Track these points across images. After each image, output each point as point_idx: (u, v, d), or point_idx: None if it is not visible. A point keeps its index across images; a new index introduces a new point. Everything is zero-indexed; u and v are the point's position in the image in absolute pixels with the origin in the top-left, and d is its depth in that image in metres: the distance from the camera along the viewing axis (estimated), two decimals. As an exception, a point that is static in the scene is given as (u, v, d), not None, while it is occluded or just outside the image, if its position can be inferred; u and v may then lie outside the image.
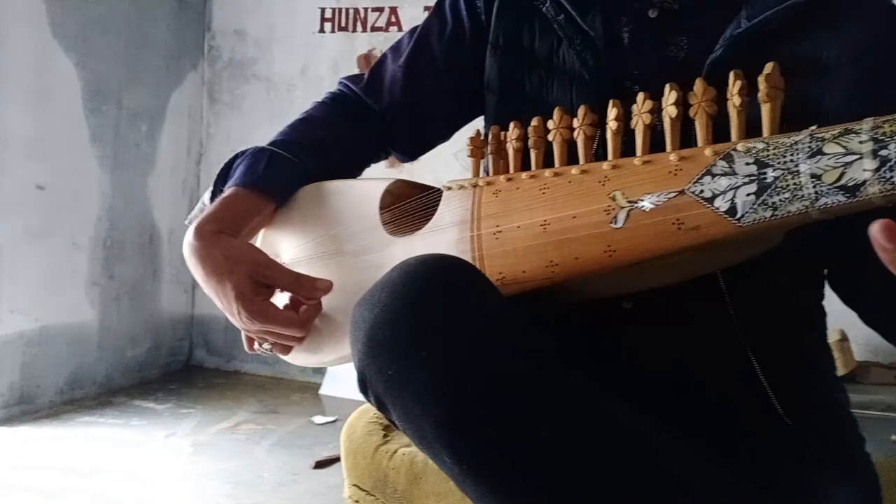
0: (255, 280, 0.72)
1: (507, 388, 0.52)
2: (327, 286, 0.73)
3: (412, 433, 0.55)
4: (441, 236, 0.69)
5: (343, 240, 0.78)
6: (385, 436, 0.92)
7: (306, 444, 2.35)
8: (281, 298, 0.77)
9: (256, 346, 0.78)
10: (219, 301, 0.73)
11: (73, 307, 2.75)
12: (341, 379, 2.63)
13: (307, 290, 0.73)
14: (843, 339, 2.23)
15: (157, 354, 3.14)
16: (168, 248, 3.13)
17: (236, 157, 0.82)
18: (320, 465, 2.16)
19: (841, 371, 2.24)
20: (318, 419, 2.59)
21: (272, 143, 0.82)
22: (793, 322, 0.74)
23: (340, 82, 0.93)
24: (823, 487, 0.67)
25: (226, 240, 0.73)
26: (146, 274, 3.08)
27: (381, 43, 2.93)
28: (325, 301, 0.75)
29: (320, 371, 2.89)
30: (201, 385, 3.03)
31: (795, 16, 0.67)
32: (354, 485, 0.91)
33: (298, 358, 0.80)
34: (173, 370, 3.21)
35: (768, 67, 0.55)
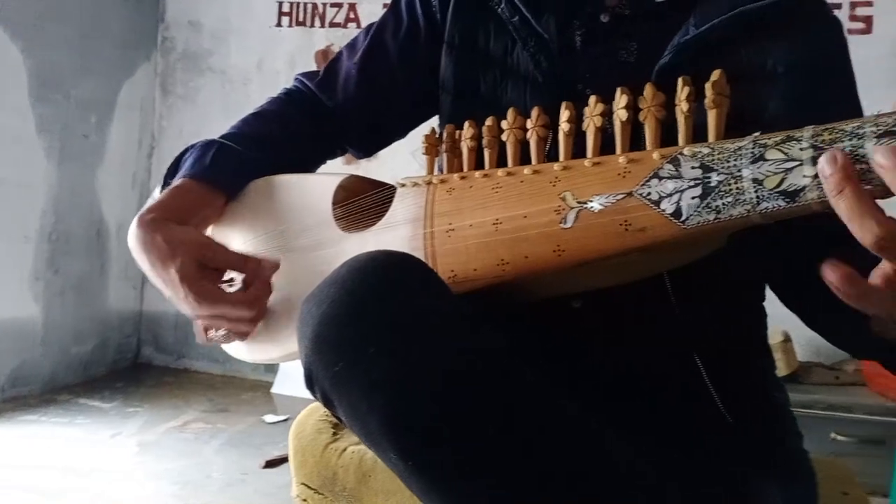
0: (201, 263, 0.71)
1: (455, 385, 0.52)
2: (275, 264, 0.72)
3: (358, 430, 0.55)
4: (394, 233, 0.69)
5: (295, 235, 0.77)
6: (334, 434, 0.91)
7: (257, 443, 2.32)
8: (234, 289, 0.75)
9: (211, 333, 0.77)
10: (165, 288, 0.72)
11: (16, 302, 2.66)
12: (293, 377, 2.60)
13: (254, 269, 0.72)
14: (787, 340, 2.29)
15: (104, 352, 3.07)
16: (116, 243, 3.06)
17: (187, 150, 0.81)
18: (270, 464, 2.13)
19: (784, 371, 2.30)
20: (270, 418, 2.56)
21: (223, 136, 0.81)
22: (735, 322, 0.75)
23: (296, 78, 0.93)
24: (761, 483, 0.69)
25: (167, 225, 0.72)
26: (93, 269, 3.01)
27: (339, 39, 2.91)
28: (276, 296, 0.74)
29: (272, 369, 2.86)
30: (149, 383, 2.97)
31: (741, 25, 0.69)
32: (303, 483, 0.90)
33: (249, 353, 0.79)
34: (120, 368, 3.14)
35: (715, 75, 0.57)
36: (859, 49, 2.56)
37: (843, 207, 0.44)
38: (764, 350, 0.79)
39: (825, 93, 0.70)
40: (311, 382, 0.57)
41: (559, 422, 0.56)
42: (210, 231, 0.83)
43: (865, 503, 0.88)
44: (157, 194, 0.79)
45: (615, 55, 0.74)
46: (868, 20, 2.46)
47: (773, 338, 2.32)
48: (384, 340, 0.53)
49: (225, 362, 3.09)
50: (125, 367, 3.17)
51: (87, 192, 2.95)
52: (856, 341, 0.64)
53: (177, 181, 0.78)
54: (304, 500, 0.90)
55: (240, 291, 0.73)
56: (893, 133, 0.43)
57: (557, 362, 0.71)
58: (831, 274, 0.46)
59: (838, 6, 2.46)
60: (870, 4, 2.46)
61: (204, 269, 0.71)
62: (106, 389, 2.83)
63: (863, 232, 0.43)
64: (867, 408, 2.12)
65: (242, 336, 0.75)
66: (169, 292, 0.72)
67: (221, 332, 0.74)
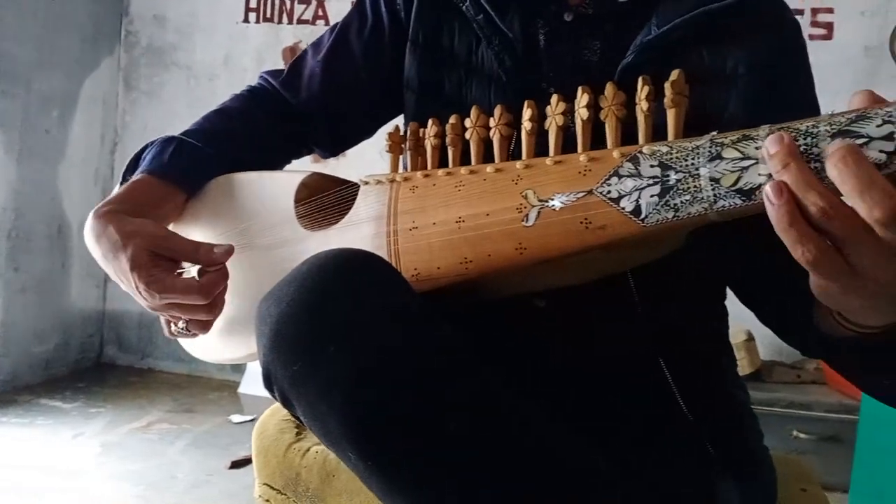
0: (153, 252, 0.69)
1: (414, 383, 0.52)
2: (228, 249, 0.71)
3: (317, 430, 0.54)
4: (357, 231, 0.68)
5: (257, 233, 0.76)
6: (298, 434, 0.90)
7: (223, 443, 2.30)
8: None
9: (173, 327, 0.75)
10: (116, 278, 0.71)
11: (-26, 301, 2.60)
12: (260, 377, 2.57)
13: (207, 256, 0.71)
14: (750, 339, 2.33)
15: (66, 351, 3.00)
16: (78, 241, 2.99)
17: (147, 146, 0.80)
18: (236, 464, 2.11)
19: (747, 370, 2.34)
20: (236, 418, 2.53)
21: (184, 133, 0.80)
22: (697, 321, 0.76)
23: (260, 76, 0.92)
24: (721, 480, 0.70)
25: (121, 217, 0.71)
26: (54, 267, 2.94)
27: (307, 36, 2.88)
28: (239, 295, 0.73)
29: (239, 369, 2.83)
30: (113, 383, 2.91)
31: (701, 26, 0.69)
32: (265, 483, 0.89)
33: (213, 353, 0.78)
34: (83, 367, 3.07)
35: (674, 74, 0.57)
36: (820, 54, 2.61)
37: (788, 180, 0.44)
38: (725, 349, 0.80)
39: (784, 93, 0.71)
40: (269, 382, 0.56)
41: (518, 421, 0.56)
42: (170, 229, 0.81)
43: (823, 500, 0.89)
44: (116, 191, 0.78)
45: (579, 54, 0.75)
46: (829, 26, 2.51)
47: (737, 337, 2.35)
48: (343, 340, 0.52)
49: (191, 362, 3.05)
50: (88, 366, 3.10)
51: (48, 189, 2.88)
52: (806, 339, 0.65)
53: (135, 177, 0.77)
54: (267, 501, 0.89)
55: (193, 279, 0.71)
56: (847, 132, 0.44)
57: (522, 361, 0.71)
58: (767, 185, 0.45)
59: (800, 12, 2.50)
60: (830, 11, 2.50)
61: (157, 258, 0.69)
62: (68, 389, 2.77)
63: (806, 204, 0.43)
64: (827, 405, 2.16)
65: (203, 328, 0.73)
66: (122, 283, 0.71)
67: (181, 324, 0.73)
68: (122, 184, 0.78)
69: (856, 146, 0.42)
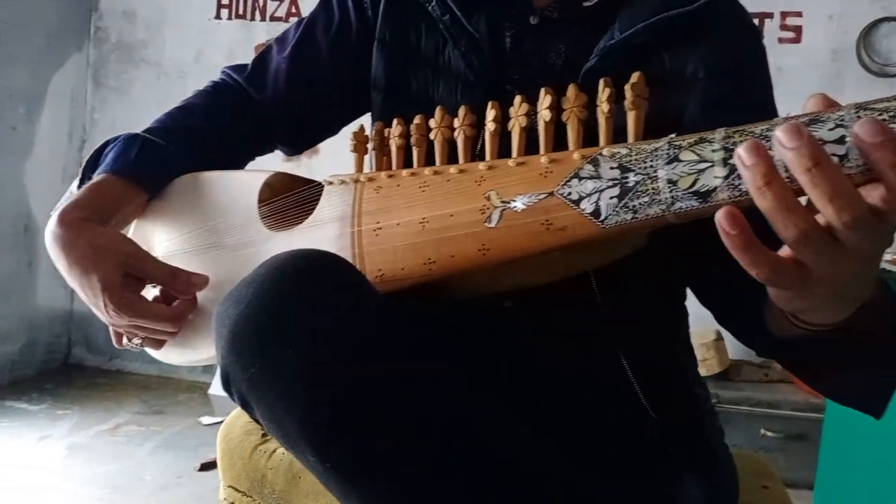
0: (125, 272, 0.68)
1: (373, 385, 0.52)
2: (203, 281, 0.71)
3: (276, 432, 0.54)
4: (321, 232, 0.68)
5: (220, 233, 0.75)
6: (264, 436, 0.89)
7: (192, 445, 2.27)
8: (153, 291, 0.73)
9: (125, 341, 0.74)
10: (83, 293, 0.69)
11: (-63, 300, 2.55)
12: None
13: (182, 285, 0.71)
14: (718, 338, 2.36)
15: (32, 352, 2.95)
16: (46, 239, 2.95)
17: (107, 143, 0.79)
18: (206, 467, 2.09)
19: (716, 369, 2.37)
20: (206, 420, 2.50)
21: (147, 131, 0.79)
22: (659, 321, 0.77)
23: (223, 71, 0.91)
24: (681, 477, 0.71)
25: (92, 228, 0.70)
26: (20, 266, 2.89)
27: (279, 33, 2.85)
28: (201, 296, 0.72)
29: (210, 370, 2.80)
30: (80, 385, 2.87)
31: (662, 31, 0.70)
32: (230, 486, 0.88)
33: (171, 355, 0.77)
34: (50, 369, 3.02)
35: (634, 77, 0.58)
36: (790, 57, 2.65)
37: (769, 200, 0.42)
38: (686, 348, 0.81)
39: (742, 97, 0.72)
40: (227, 384, 0.56)
41: (479, 422, 0.56)
42: (132, 228, 0.80)
43: (785, 497, 0.90)
44: (74, 188, 0.77)
45: (544, 57, 0.75)
46: (798, 30, 2.55)
47: (706, 336, 2.38)
48: (302, 342, 0.52)
49: (160, 363, 3.00)
50: (55, 367, 3.05)
51: (14, 186, 2.83)
52: (761, 338, 0.66)
53: (98, 176, 0.75)
54: (232, 503, 0.89)
55: (164, 306, 0.71)
56: None
57: (488, 360, 0.71)
58: (720, 213, 0.42)
59: (770, 16, 2.54)
60: (799, 15, 2.54)
61: (128, 278, 0.69)
62: (34, 391, 2.73)
63: (787, 225, 0.42)
64: (794, 404, 2.20)
65: (158, 346, 0.73)
66: (86, 297, 0.69)
67: (137, 340, 0.72)
68: (81, 181, 0.77)
69: (826, 153, 0.41)
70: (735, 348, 2.40)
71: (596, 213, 0.53)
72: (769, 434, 2.19)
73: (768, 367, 2.38)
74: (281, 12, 2.92)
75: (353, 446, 0.51)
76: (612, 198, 0.53)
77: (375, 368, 0.52)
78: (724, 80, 0.71)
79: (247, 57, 0.94)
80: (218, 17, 2.98)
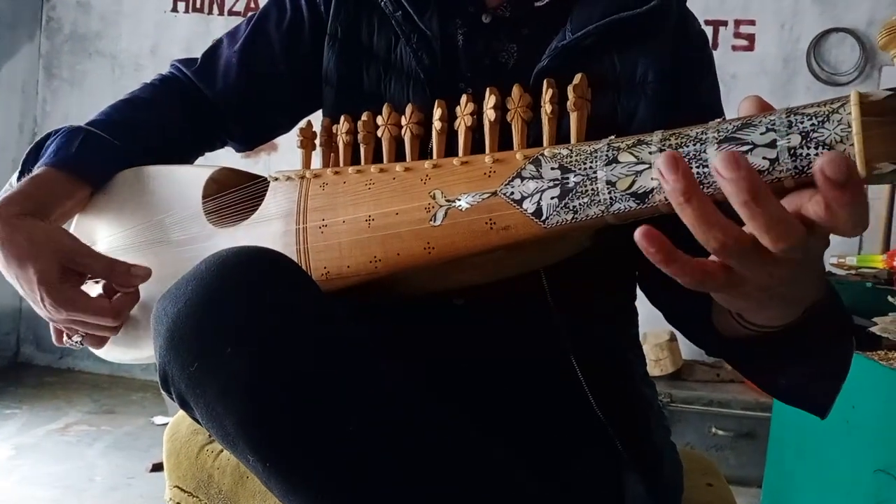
0: (64, 266, 0.67)
1: (313, 384, 0.51)
2: (145, 273, 0.69)
3: (216, 432, 0.53)
4: (266, 228, 0.67)
5: (165, 228, 0.74)
6: (210, 435, 0.88)
7: (144, 445, 2.23)
8: (95, 287, 0.72)
9: (66, 338, 0.73)
10: (20, 288, 0.68)
11: None
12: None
13: (122, 277, 0.69)
14: (672, 339, 2.40)
15: (-22, 350, 2.87)
16: (-7, 234, 2.86)
17: (48, 136, 0.77)
18: (158, 467, 2.05)
19: (669, 369, 2.41)
20: (159, 419, 2.46)
21: (90, 123, 0.77)
22: (608, 319, 0.78)
23: (172, 65, 0.89)
24: (628, 475, 0.72)
25: (31, 222, 0.68)
26: (-34, 261, 2.80)
27: (238, 28, 2.83)
28: (144, 292, 0.71)
29: (164, 368, 2.75)
30: (30, 383, 2.80)
31: (613, 33, 0.71)
32: (176, 486, 0.86)
33: (115, 353, 0.76)
34: (-3, 367, 2.95)
35: (577, 78, 0.58)
36: (743, 64, 2.72)
37: (689, 216, 0.42)
38: (635, 346, 0.82)
39: (690, 101, 0.73)
40: (166, 384, 0.55)
41: (422, 422, 0.55)
42: (74, 223, 0.78)
43: (728, 494, 0.92)
44: (14, 181, 0.75)
45: (496, 56, 0.75)
46: (751, 38, 2.61)
47: (659, 337, 2.42)
48: (241, 339, 0.51)
49: (113, 362, 2.95)
50: (3, 366, 2.97)
51: (-40, 179, 2.75)
52: (708, 337, 0.67)
53: (39, 169, 0.73)
54: (178, 503, 0.87)
55: (104, 299, 0.69)
56: (733, 139, 0.45)
57: (438, 358, 0.71)
58: (637, 233, 0.42)
59: (724, 24, 2.59)
60: (752, 24, 2.60)
61: (66, 272, 0.67)
62: (-20, 390, 2.66)
63: (707, 239, 0.42)
64: (743, 403, 2.24)
65: (100, 343, 0.72)
66: (23, 291, 0.68)
67: (77, 338, 0.71)
68: (21, 173, 0.75)
69: (763, 183, 0.41)
70: (688, 349, 2.45)
71: (538, 212, 0.54)
72: (720, 433, 2.23)
73: (720, 368, 2.43)
74: (239, 7, 2.89)
75: (291, 445, 0.51)
76: (552, 198, 0.53)
77: (316, 367, 0.52)
78: (673, 84, 0.72)
79: (204, 51, 0.92)
80: (174, 9, 2.93)
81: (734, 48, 2.59)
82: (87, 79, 2.99)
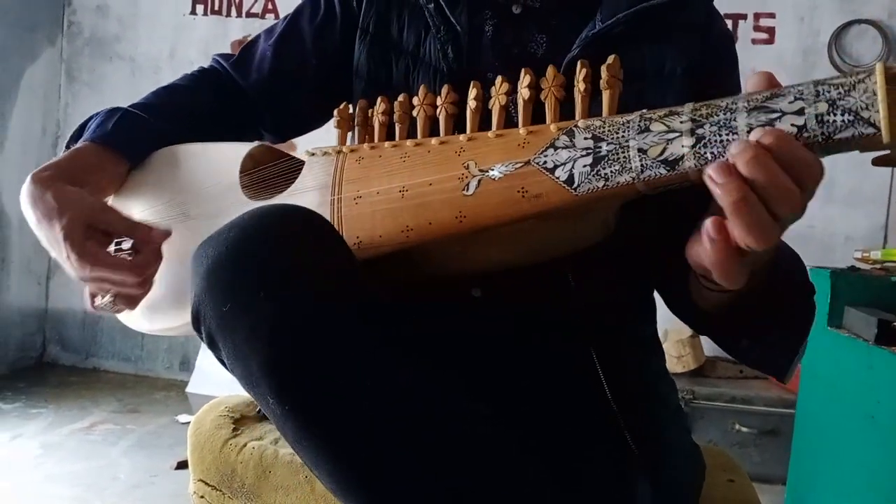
0: (89, 224, 0.69)
1: (337, 336, 0.53)
2: (166, 232, 0.72)
3: (240, 373, 0.55)
4: (301, 199, 0.69)
5: (200, 202, 0.76)
6: (234, 430, 0.89)
7: (168, 444, 2.26)
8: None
9: (98, 300, 0.74)
10: (50, 247, 0.70)
11: None
12: (210, 376, 2.53)
13: (143, 235, 0.71)
14: (694, 336, 2.39)
15: (4, 350, 2.91)
16: (18, 237, 2.90)
17: (91, 117, 0.81)
18: (182, 465, 2.07)
19: (691, 365, 2.39)
20: (183, 418, 2.48)
21: (130, 105, 0.81)
22: (628, 314, 0.78)
23: (213, 57, 0.93)
24: (636, 471, 0.72)
25: (60, 184, 0.71)
26: (-8, 263, 2.85)
27: (256, 29, 2.82)
28: (175, 263, 0.73)
29: (187, 368, 2.78)
30: (55, 383, 2.84)
31: (642, 21, 0.73)
32: (200, 479, 0.87)
33: (145, 322, 0.78)
34: (23, 367, 2.98)
35: (610, 59, 0.60)
36: (763, 56, 2.69)
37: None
38: (653, 342, 0.82)
39: (716, 93, 0.74)
40: (197, 322, 0.57)
41: (438, 390, 0.57)
42: (111, 201, 0.81)
43: (751, 490, 0.91)
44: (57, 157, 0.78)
45: (525, 47, 0.77)
46: (771, 31, 2.59)
47: (682, 333, 2.40)
48: (274, 286, 0.53)
49: (137, 361, 2.98)
50: (28, 366, 3.01)
51: (-14, 182, 2.79)
52: (691, 314, 0.69)
53: (78, 144, 0.77)
54: (202, 497, 0.88)
55: (124, 257, 0.72)
56: (762, 108, 0.48)
57: (454, 349, 0.72)
58: (708, 221, 0.50)
59: (743, 17, 2.58)
60: (772, 17, 2.59)
61: (92, 230, 0.69)
62: (7, 390, 2.69)
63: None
64: (767, 400, 2.23)
65: (130, 304, 0.73)
66: (53, 251, 0.70)
67: (108, 298, 0.72)
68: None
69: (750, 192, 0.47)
70: (710, 345, 2.43)
71: (569, 180, 0.55)
72: (743, 429, 2.21)
73: (743, 365, 2.40)
74: (257, 9, 2.91)
75: (310, 392, 0.53)
76: (585, 166, 0.55)
77: (341, 321, 0.53)
78: (699, 80, 0.74)
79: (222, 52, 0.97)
80: (193, 12, 2.96)
81: (754, 41, 2.58)
82: (106, 82, 3.03)
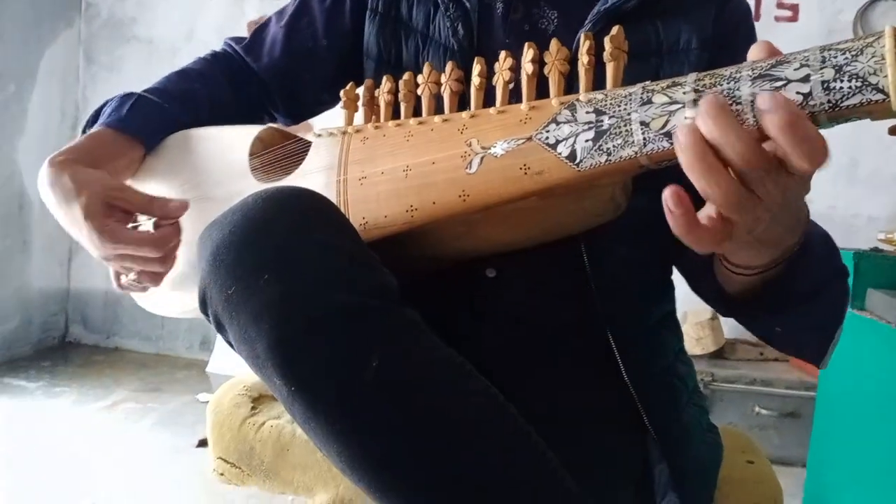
0: (107, 203, 0.70)
1: (342, 319, 0.53)
2: (183, 204, 0.72)
3: (246, 354, 0.55)
4: (308, 181, 0.69)
5: (211, 185, 0.77)
6: (253, 408, 0.90)
7: (189, 422, 2.28)
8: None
9: (123, 279, 0.76)
10: (71, 228, 0.71)
11: (-68, 279, 2.54)
12: (229, 356, 2.56)
13: (161, 209, 0.72)
14: (714, 317, 2.37)
15: (28, 330, 2.95)
16: (40, 218, 2.93)
17: (107, 102, 0.81)
18: (204, 443, 2.10)
19: (711, 348, 2.38)
20: (204, 397, 2.51)
21: (144, 90, 0.82)
22: (644, 293, 0.77)
23: (224, 41, 0.94)
24: (653, 451, 0.71)
25: (76, 166, 0.72)
26: (14, 245, 2.88)
27: (271, 10, 2.76)
28: (189, 247, 0.73)
29: (208, 348, 2.81)
30: (78, 362, 2.88)
31: None
32: (220, 457, 0.89)
33: (164, 305, 0.79)
34: (46, 347, 3.03)
35: (614, 30, 0.59)
36: (786, 35, 2.64)
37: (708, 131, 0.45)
38: (671, 323, 0.81)
39: (730, 64, 0.73)
40: (204, 305, 0.57)
41: (448, 373, 0.56)
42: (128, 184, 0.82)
43: (770, 473, 0.91)
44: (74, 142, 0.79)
45: (536, 23, 0.76)
46: (794, 8, 2.54)
47: (701, 315, 2.39)
48: (278, 269, 0.53)
49: (158, 340, 3.02)
50: (52, 345, 3.06)
51: (7, 164, 2.82)
52: (718, 298, 0.68)
53: (93, 129, 0.78)
54: (222, 475, 0.90)
55: (147, 232, 0.72)
56: (767, 76, 0.46)
57: (468, 330, 0.71)
58: (667, 191, 0.46)
59: (767, -7, 2.52)
60: (796, -7, 2.53)
61: (111, 209, 0.70)
62: (32, 369, 2.73)
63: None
64: (787, 382, 2.21)
65: (154, 281, 0.74)
66: (74, 232, 0.71)
67: (132, 276, 0.73)
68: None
69: (795, 110, 0.43)
70: (730, 327, 2.41)
71: (572, 156, 0.54)
72: (763, 412, 2.20)
73: (763, 346, 2.39)
74: (273, -11, 2.90)
75: (315, 374, 0.52)
76: (587, 141, 0.53)
77: (347, 304, 0.53)
78: (716, 52, 0.73)
79: (238, 33, 0.97)
80: (209, -7, 2.95)
81: (777, 19, 2.52)
82: (124, 64, 3.03)
